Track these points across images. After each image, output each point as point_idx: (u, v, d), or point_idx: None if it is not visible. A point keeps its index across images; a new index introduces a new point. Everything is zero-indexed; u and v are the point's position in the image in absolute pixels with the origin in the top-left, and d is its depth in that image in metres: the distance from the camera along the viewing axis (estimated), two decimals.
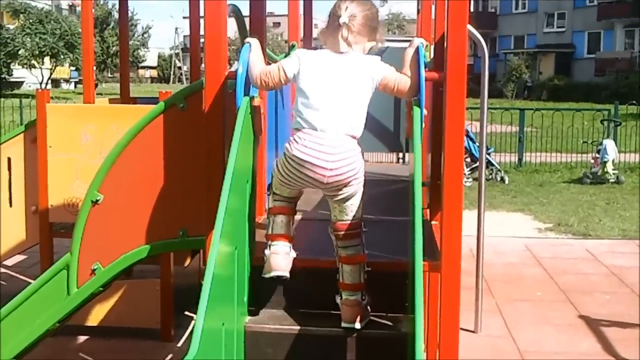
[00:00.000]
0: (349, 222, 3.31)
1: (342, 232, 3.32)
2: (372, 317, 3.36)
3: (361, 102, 3.25)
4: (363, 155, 3.30)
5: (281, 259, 3.29)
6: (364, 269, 3.32)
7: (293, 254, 3.35)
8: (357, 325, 3.28)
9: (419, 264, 2.75)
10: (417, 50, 3.32)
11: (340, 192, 3.25)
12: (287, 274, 3.29)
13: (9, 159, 6.12)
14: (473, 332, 6.41)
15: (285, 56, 5.51)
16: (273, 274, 3.28)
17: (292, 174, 3.23)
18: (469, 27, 6.19)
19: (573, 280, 7.98)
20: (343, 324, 3.29)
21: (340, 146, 3.17)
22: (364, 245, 3.34)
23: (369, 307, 3.34)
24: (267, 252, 3.32)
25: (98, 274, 4.01)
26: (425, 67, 3.31)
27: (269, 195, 3.43)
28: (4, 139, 6.23)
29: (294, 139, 3.21)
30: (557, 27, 57.99)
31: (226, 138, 3.45)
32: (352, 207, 3.30)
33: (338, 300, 3.33)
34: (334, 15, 3.28)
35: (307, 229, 4.02)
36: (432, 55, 4.12)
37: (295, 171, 3.21)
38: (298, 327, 3.33)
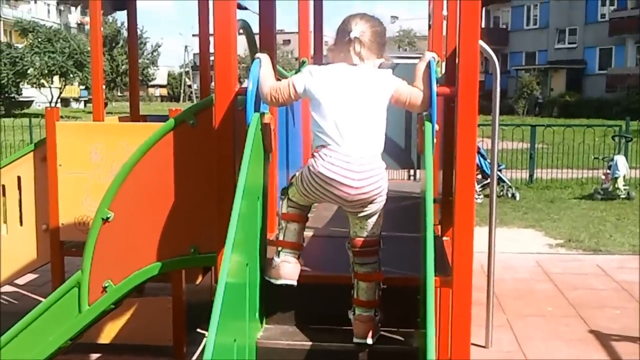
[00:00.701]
0: (368, 238, 3.32)
1: (360, 249, 3.33)
2: (383, 332, 3.36)
3: (380, 114, 3.25)
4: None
5: (292, 267, 3.33)
6: (379, 286, 3.33)
7: (301, 262, 3.38)
8: (369, 341, 3.27)
9: (431, 279, 2.74)
10: (428, 64, 3.32)
11: (365, 209, 3.26)
12: (296, 282, 3.33)
13: (18, 178, 6.13)
14: (484, 347, 6.38)
15: (296, 73, 5.54)
16: (282, 281, 3.31)
17: (317, 190, 3.23)
18: (481, 42, 6.22)
19: (584, 295, 7.94)
20: (355, 340, 3.28)
21: (367, 164, 3.18)
22: (380, 263, 3.34)
23: (379, 323, 3.33)
24: (276, 259, 3.35)
25: (109, 292, 4.01)
26: (436, 82, 3.32)
27: (282, 199, 3.43)
28: (13, 158, 6.25)
29: (320, 156, 3.19)
30: (569, 42, 57.96)
31: (237, 155, 3.45)
32: (372, 223, 3.31)
33: (351, 315, 3.33)
34: (343, 32, 3.29)
35: (319, 245, 4.02)
36: (443, 71, 4.12)
37: (320, 188, 3.21)
38: (310, 343, 3.33)
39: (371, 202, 3.22)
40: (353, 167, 3.16)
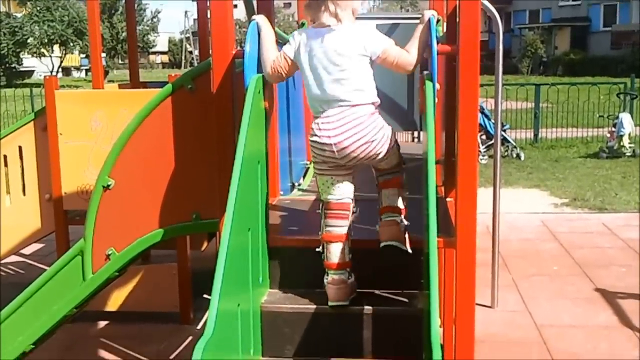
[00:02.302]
0: (389, 167, 3.34)
1: (382, 170, 3.38)
2: (388, 295, 3.35)
3: (357, 70, 3.21)
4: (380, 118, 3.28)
5: (336, 290, 3.29)
6: (402, 195, 3.38)
7: (351, 280, 3.33)
8: (395, 243, 3.32)
9: (433, 240, 2.72)
10: (427, 25, 3.27)
11: (376, 161, 3.28)
12: (346, 302, 3.29)
13: (20, 148, 6.11)
14: (490, 307, 6.40)
15: None
16: (330, 304, 3.30)
17: (319, 159, 3.29)
18: (484, 1, 6.15)
19: (589, 254, 7.94)
20: (382, 243, 3.32)
21: (344, 118, 3.19)
22: (404, 175, 3.39)
23: (407, 236, 3.34)
24: (325, 278, 3.32)
25: (113, 259, 4.00)
26: (437, 41, 3.27)
27: (320, 213, 3.39)
28: (14, 128, 6.22)
29: (312, 128, 3.28)
30: (573, 0, 57.44)
31: (236, 118, 3.42)
32: (390, 161, 3.33)
33: (377, 227, 3.37)
34: None
35: None
36: (445, 30, 4.07)
37: (318, 156, 3.29)
38: (314, 306, 3.32)
39: (370, 153, 3.23)
40: (327, 126, 3.21)
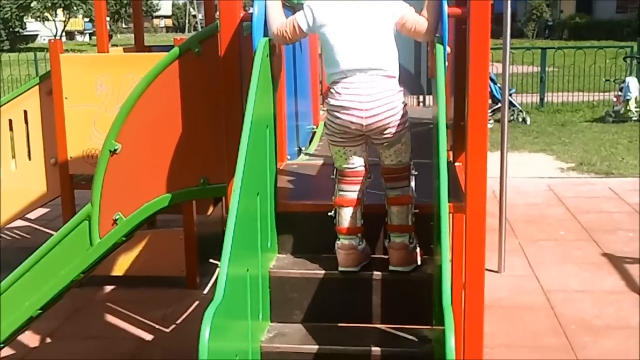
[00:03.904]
0: (396, 166, 3.27)
1: (390, 175, 3.28)
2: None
3: (387, 38, 3.19)
4: (405, 96, 3.25)
5: (346, 255, 3.27)
6: (412, 210, 3.28)
7: (362, 247, 3.30)
8: (405, 269, 3.24)
9: (444, 205, 2.70)
10: None
11: (384, 137, 3.20)
12: (356, 269, 3.28)
13: (25, 112, 6.09)
14: (497, 272, 6.40)
15: None
16: (340, 269, 3.28)
17: (337, 126, 3.20)
18: None
19: (596, 219, 7.93)
20: (390, 267, 3.25)
21: (375, 87, 3.14)
22: (412, 188, 3.29)
23: (417, 251, 3.29)
24: (337, 243, 3.30)
25: (120, 224, 3.99)
26: (447, 3, 3.23)
27: (334, 179, 3.36)
28: (19, 92, 6.19)
29: (332, 92, 3.20)
30: None
31: (244, 82, 3.38)
32: (399, 152, 3.26)
33: (386, 243, 3.30)
34: None
35: None
36: None
37: (335, 119, 3.19)
38: (323, 271, 3.31)
39: (387, 128, 3.16)
40: (361, 92, 3.14)
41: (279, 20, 3.31)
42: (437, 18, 3.20)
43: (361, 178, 3.29)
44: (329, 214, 3.31)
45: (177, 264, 6.20)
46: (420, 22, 3.21)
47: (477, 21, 3.22)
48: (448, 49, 3.21)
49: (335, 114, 3.18)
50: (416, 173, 3.31)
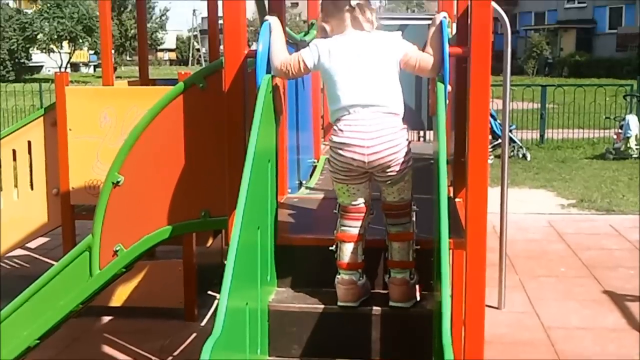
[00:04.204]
0: (397, 203, 3.30)
1: (391, 212, 3.30)
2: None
3: (392, 77, 3.24)
4: (408, 133, 3.28)
5: (345, 291, 3.29)
6: (413, 247, 3.29)
7: (362, 282, 3.32)
8: (405, 304, 3.25)
9: (445, 241, 2.72)
10: (439, 27, 3.27)
11: (387, 174, 3.22)
12: (356, 304, 3.29)
13: (29, 142, 6.13)
14: (497, 308, 6.39)
15: (305, 34, 5.48)
16: (339, 304, 3.30)
17: (340, 163, 3.23)
18: (492, 2, 6.14)
19: (597, 256, 7.93)
20: (391, 303, 3.26)
21: (378, 124, 3.17)
22: (413, 224, 3.31)
23: (416, 286, 3.30)
24: (336, 279, 3.31)
25: (120, 256, 4.00)
26: (448, 43, 3.27)
27: (337, 214, 3.38)
28: (24, 123, 6.24)
29: (335, 129, 3.24)
30: (578, 2, 57.23)
31: (247, 117, 3.42)
32: (401, 190, 3.28)
33: (386, 278, 3.31)
34: (339, 2, 3.28)
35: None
36: (453, 32, 4.06)
37: (338, 156, 3.22)
38: (323, 306, 3.31)
39: (390, 166, 3.18)
40: (364, 128, 3.17)
41: (282, 56, 3.35)
42: (441, 53, 3.24)
43: (363, 214, 3.31)
44: (330, 248, 3.32)
45: (176, 295, 6.19)
46: (424, 58, 3.26)
47: (477, 60, 3.26)
48: (449, 87, 3.25)
49: (339, 150, 3.21)
50: (417, 209, 3.33)
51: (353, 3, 3.26)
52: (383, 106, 3.19)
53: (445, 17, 3.30)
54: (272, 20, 3.41)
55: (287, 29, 4.26)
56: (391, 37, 3.29)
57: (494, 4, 6.13)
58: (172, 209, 3.95)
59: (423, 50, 3.28)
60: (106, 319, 6.38)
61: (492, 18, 3.30)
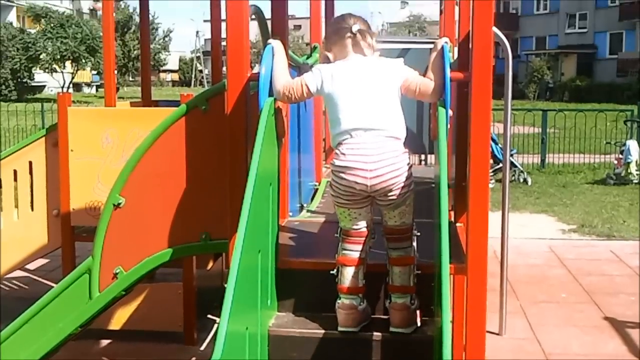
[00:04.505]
0: (399, 227, 3.30)
1: (392, 235, 3.30)
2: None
3: (393, 101, 3.26)
4: (410, 157, 3.28)
5: (346, 315, 3.29)
6: (414, 271, 3.29)
7: (363, 307, 3.31)
8: (406, 330, 3.25)
9: (446, 266, 2.71)
10: (441, 53, 3.28)
11: (389, 198, 3.22)
12: (356, 329, 3.29)
13: (30, 163, 6.12)
14: (497, 334, 6.35)
15: (308, 57, 5.50)
16: (340, 329, 3.29)
17: (341, 186, 3.23)
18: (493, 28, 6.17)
19: (598, 282, 7.89)
20: (391, 328, 3.26)
21: (380, 147, 3.18)
22: (414, 248, 3.31)
23: (418, 312, 3.29)
24: (337, 304, 3.31)
25: (120, 278, 3.99)
26: (449, 68, 3.28)
27: (338, 238, 3.38)
28: (25, 143, 6.25)
29: (337, 153, 3.25)
30: (579, 27, 57.59)
31: (249, 140, 3.42)
32: (403, 213, 3.29)
33: (387, 303, 3.30)
34: (340, 30, 3.33)
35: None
36: (455, 56, 4.07)
37: (340, 180, 3.22)
38: (323, 331, 3.30)
39: (392, 190, 3.19)
40: (366, 152, 3.18)
41: (285, 79, 3.36)
42: (442, 78, 3.26)
43: (365, 238, 3.31)
44: (332, 272, 3.32)
45: (175, 318, 6.16)
46: (424, 83, 3.27)
47: (479, 85, 3.27)
48: (450, 112, 3.26)
49: (341, 174, 3.21)
50: (418, 234, 3.32)
51: (354, 29, 3.29)
52: (384, 130, 3.21)
53: (446, 42, 3.32)
54: (275, 44, 3.43)
55: (289, 51, 4.28)
56: (392, 63, 3.31)
57: (495, 29, 6.20)
58: (172, 231, 3.95)
59: (424, 75, 3.30)
60: (105, 342, 6.34)
61: (493, 43, 3.31)
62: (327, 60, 3.36)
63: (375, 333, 3.25)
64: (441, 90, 3.26)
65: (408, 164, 3.25)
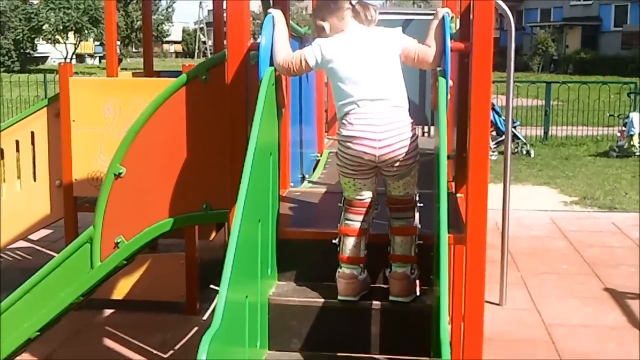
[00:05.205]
0: (402, 197, 3.30)
1: (395, 205, 3.31)
2: None
3: (396, 71, 3.26)
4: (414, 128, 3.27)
5: (346, 285, 3.29)
6: (415, 242, 3.30)
7: (363, 277, 3.32)
8: (405, 299, 3.26)
9: (444, 236, 2.72)
10: (442, 22, 3.27)
11: (395, 168, 3.23)
12: (355, 298, 3.30)
13: (32, 133, 6.12)
14: (498, 305, 6.38)
15: (310, 28, 5.48)
16: (339, 298, 3.30)
17: (348, 157, 3.24)
18: None
19: (598, 253, 7.92)
20: (391, 297, 3.27)
21: (387, 117, 3.19)
22: (417, 219, 3.32)
23: (416, 281, 3.30)
24: (337, 273, 3.32)
25: (121, 248, 4.00)
26: (450, 38, 3.27)
27: (341, 207, 3.38)
28: (27, 113, 6.24)
29: (343, 123, 3.24)
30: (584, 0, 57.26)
31: (249, 110, 3.42)
32: (407, 184, 3.29)
33: (387, 272, 3.31)
34: (338, 1, 3.33)
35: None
36: (457, 27, 4.06)
37: (347, 150, 3.23)
38: (323, 300, 3.32)
39: (400, 159, 3.19)
40: (374, 122, 3.18)
41: (285, 52, 3.35)
42: (442, 45, 3.25)
43: (368, 209, 3.31)
44: (334, 241, 3.33)
45: (177, 289, 6.19)
46: (423, 50, 3.27)
47: (479, 56, 3.25)
48: (450, 82, 3.25)
49: (348, 144, 3.21)
50: (422, 205, 3.33)
51: (354, 1, 3.28)
52: (390, 100, 3.21)
53: (447, 13, 3.30)
54: (276, 14, 3.42)
55: (291, 22, 4.26)
56: (390, 32, 3.31)
57: (498, 0, 6.17)
58: (173, 201, 3.95)
59: (425, 43, 3.29)
60: (108, 312, 6.38)
61: (493, 13, 3.30)
62: (322, 31, 3.35)
63: (374, 302, 3.27)
64: (440, 58, 3.25)
65: (414, 134, 3.25)
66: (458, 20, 4.02)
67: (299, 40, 4.83)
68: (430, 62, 3.27)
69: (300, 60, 3.31)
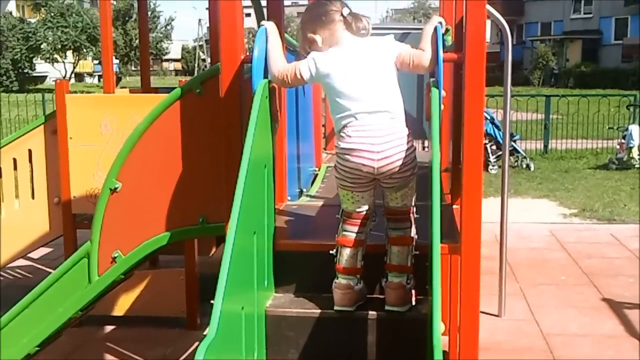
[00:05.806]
0: (400, 208, 3.32)
1: (393, 216, 3.32)
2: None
3: (392, 82, 3.27)
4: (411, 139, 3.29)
5: (342, 295, 3.31)
6: (412, 252, 3.31)
7: (359, 287, 3.34)
8: (400, 309, 3.27)
9: (437, 246, 2.73)
10: (436, 28, 3.29)
11: (394, 180, 3.24)
12: (352, 308, 3.31)
13: (29, 151, 6.14)
14: (497, 316, 6.38)
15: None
16: (335, 308, 3.31)
17: (347, 169, 3.24)
18: (494, 12, 6.17)
19: (597, 264, 7.93)
20: (387, 307, 3.28)
21: (386, 129, 3.19)
22: (414, 229, 3.33)
23: (412, 291, 3.31)
24: (333, 284, 3.33)
25: (119, 262, 4.02)
26: (445, 49, 3.29)
27: (339, 219, 3.40)
28: (24, 131, 6.26)
29: (341, 136, 3.25)
30: (584, 13, 57.36)
31: (244, 123, 3.44)
32: (405, 195, 3.30)
33: (383, 282, 3.32)
34: (330, 12, 3.33)
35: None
36: (453, 39, 4.09)
37: (345, 162, 3.23)
38: (320, 310, 3.33)
39: (398, 171, 3.20)
40: (373, 134, 3.18)
41: (279, 63, 3.37)
42: (434, 50, 3.26)
43: (366, 220, 3.33)
44: (331, 252, 3.34)
45: (178, 304, 6.20)
46: (417, 54, 3.28)
47: (472, 66, 3.27)
48: (444, 93, 3.27)
49: (346, 156, 3.22)
50: (417, 216, 3.34)
51: (345, 12, 3.30)
52: (388, 112, 3.22)
53: (440, 23, 3.32)
54: (269, 26, 3.43)
55: (287, 36, 4.29)
56: (383, 41, 3.32)
57: (496, 14, 6.20)
58: (169, 215, 3.97)
59: (419, 47, 3.31)
60: (108, 327, 6.39)
61: (485, 23, 3.32)
62: (315, 44, 3.35)
63: (370, 312, 3.28)
64: (436, 60, 3.26)
65: (412, 146, 3.26)
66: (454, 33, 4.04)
67: (294, 53, 4.86)
68: (426, 66, 3.28)
69: (295, 73, 3.33)
